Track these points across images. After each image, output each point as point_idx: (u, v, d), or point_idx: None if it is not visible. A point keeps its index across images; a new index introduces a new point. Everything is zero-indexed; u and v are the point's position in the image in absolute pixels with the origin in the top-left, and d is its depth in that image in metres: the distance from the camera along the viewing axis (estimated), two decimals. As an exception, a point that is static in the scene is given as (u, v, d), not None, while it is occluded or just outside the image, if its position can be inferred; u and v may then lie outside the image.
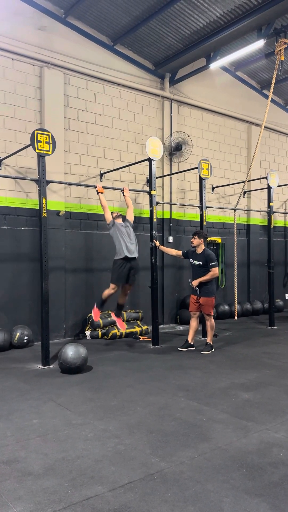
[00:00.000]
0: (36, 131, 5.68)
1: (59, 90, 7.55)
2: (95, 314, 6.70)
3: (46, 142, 5.72)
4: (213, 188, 9.92)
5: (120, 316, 6.90)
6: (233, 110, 10.30)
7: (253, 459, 3.07)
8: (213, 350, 6.55)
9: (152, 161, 6.88)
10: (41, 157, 5.73)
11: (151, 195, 6.92)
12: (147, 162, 7.10)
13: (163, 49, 8.61)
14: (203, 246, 6.61)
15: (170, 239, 9.09)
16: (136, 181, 8.62)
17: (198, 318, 6.75)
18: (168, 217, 9.11)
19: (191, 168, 8.34)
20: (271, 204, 8.92)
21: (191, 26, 7.93)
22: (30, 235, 7.26)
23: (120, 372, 5.38)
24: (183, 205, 8.94)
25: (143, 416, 3.90)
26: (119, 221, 6.74)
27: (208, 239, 8.67)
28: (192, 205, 8.45)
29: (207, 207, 7.88)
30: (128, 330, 7.61)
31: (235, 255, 9.33)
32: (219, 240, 9.98)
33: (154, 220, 6.94)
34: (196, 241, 6.57)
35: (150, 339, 7.10)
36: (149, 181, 7.00)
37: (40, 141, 5.68)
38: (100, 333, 7.55)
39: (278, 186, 9.20)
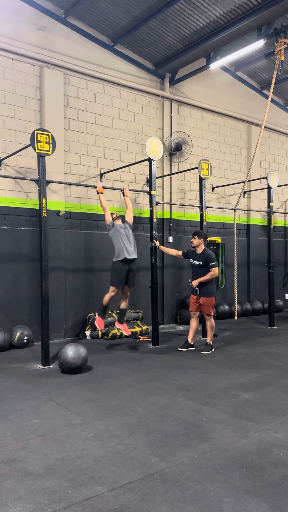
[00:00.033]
0: (36, 131, 5.68)
1: (59, 90, 7.55)
2: (99, 323, 6.63)
3: (46, 142, 5.73)
4: (213, 188, 9.92)
5: (124, 323, 6.79)
6: (233, 110, 10.30)
7: (253, 459, 3.07)
8: (213, 350, 6.55)
9: (152, 161, 6.88)
10: (41, 157, 5.74)
11: (151, 195, 6.92)
12: (147, 162, 7.10)
13: (163, 49, 8.61)
14: (203, 246, 6.61)
15: (170, 239, 9.09)
16: (136, 181, 8.62)
17: (198, 318, 6.75)
18: (168, 217, 9.11)
19: (191, 168, 8.34)
20: (271, 204, 8.92)
21: (191, 26, 7.93)
22: (30, 235, 7.26)
23: (120, 372, 5.38)
24: (183, 205, 8.95)
25: (143, 416, 3.90)
26: (118, 222, 6.72)
27: (208, 239, 8.66)
28: (192, 205, 8.45)
29: (207, 207, 7.88)
30: (128, 330, 7.62)
31: (235, 255, 9.33)
32: (219, 240, 9.98)
33: (154, 220, 6.94)
34: (196, 241, 6.57)
35: (150, 339, 7.10)
36: (149, 181, 7.00)
37: (40, 141, 5.68)
38: (100, 333, 7.55)
39: (278, 186, 9.20)
